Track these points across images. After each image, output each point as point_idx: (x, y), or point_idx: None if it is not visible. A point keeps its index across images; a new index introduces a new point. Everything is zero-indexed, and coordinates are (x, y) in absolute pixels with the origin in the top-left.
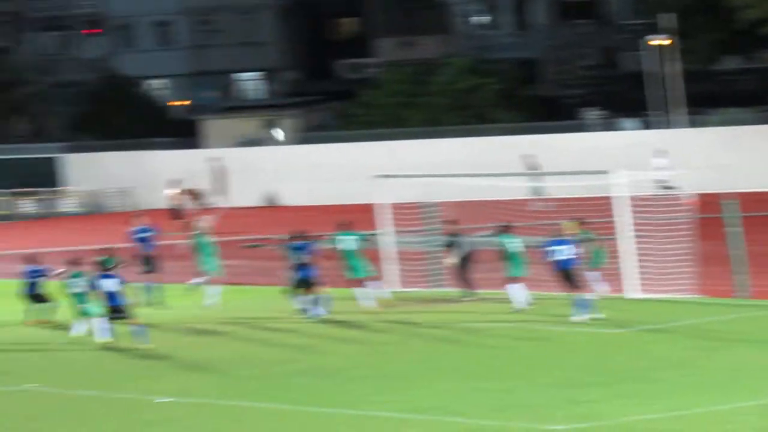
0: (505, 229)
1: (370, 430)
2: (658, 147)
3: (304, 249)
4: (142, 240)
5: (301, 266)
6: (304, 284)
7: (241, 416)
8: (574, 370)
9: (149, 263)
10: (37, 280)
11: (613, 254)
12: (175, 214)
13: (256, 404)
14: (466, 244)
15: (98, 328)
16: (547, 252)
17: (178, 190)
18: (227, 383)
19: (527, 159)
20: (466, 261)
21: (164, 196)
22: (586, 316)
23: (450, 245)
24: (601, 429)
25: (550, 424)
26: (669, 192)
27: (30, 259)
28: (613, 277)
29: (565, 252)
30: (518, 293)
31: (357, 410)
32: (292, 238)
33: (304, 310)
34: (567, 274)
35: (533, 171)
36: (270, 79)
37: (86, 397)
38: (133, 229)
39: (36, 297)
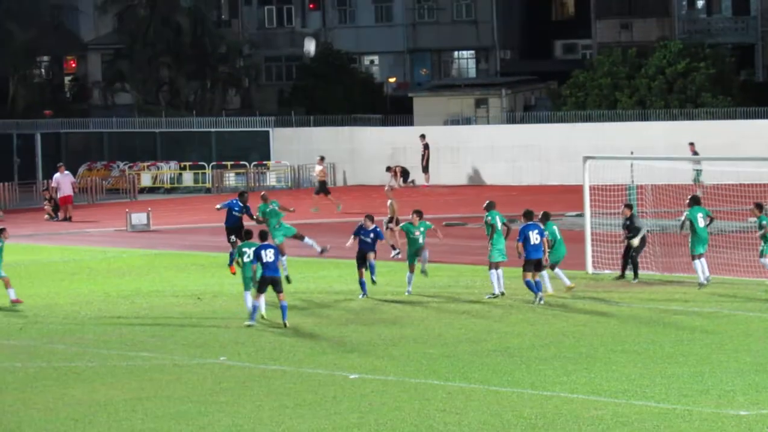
0: (696, 202)
1: (557, 410)
2: None
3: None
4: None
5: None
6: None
7: (430, 394)
8: (764, 356)
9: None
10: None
11: None
12: (321, 188)
13: (444, 383)
14: (644, 227)
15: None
16: None
17: (322, 166)
18: (416, 361)
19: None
20: (642, 243)
21: (313, 172)
22: None
23: (628, 227)
24: None
25: (737, 409)
26: None
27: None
28: None
29: None
30: (700, 268)
31: (544, 391)
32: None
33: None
34: None
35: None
36: (483, 58)
37: (273, 371)
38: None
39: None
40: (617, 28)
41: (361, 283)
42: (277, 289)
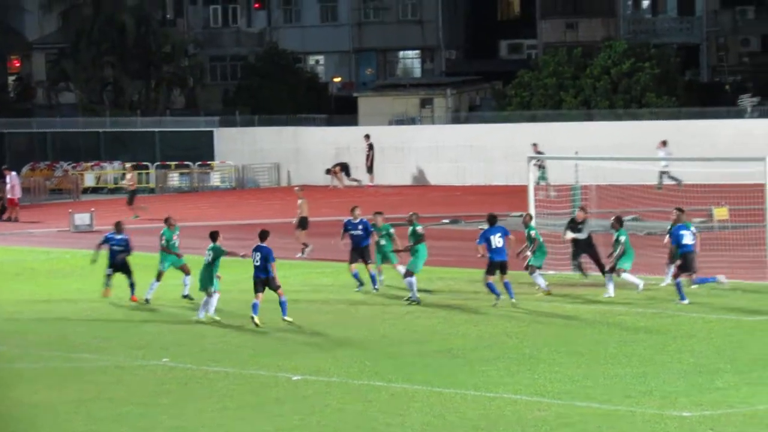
0: (621, 224)
1: (500, 412)
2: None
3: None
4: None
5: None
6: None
7: (373, 395)
8: (707, 357)
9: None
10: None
11: (761, 241)
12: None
13: (387, 384)
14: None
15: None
16: (673, 236)
17: (131, 174)
18: (359, 362)
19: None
20: (587, 244)
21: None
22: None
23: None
24: (730, 417)
25: (680, 410)
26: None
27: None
28: (760, 265)
29: (688, 237)
30: (632, 277)
31: (488, 392)
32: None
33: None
34: (687, 259)
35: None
36: (429, 58)
37: (215, 372)
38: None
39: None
40: (562, 28)
41: (355, 276)
42: (272, 287)
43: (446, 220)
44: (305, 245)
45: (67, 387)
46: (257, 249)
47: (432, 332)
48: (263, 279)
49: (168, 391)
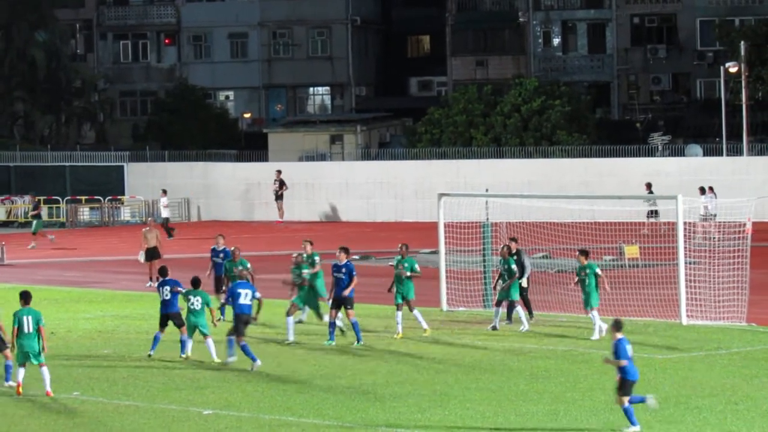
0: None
1: None
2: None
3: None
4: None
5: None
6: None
7: (284, 431)
8: None
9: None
10: None
11: (672, 280)
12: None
13: (298, 419)
14: (529, 265)
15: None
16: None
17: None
18: (270, 397)
19: None
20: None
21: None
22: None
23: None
24: None
25: None
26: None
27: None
28: (671, 303)
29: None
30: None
31: (399, 428)
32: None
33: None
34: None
35: None
36: (339, 94)
37: (126, 406)
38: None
39: None
40: (473, 66)
41: (354, 324)
42: (177, 323)
43: (357, 257)
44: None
45: None
46: (163, 283)
47: (342, 368)
48: (172, 314)
49: (79, 425)
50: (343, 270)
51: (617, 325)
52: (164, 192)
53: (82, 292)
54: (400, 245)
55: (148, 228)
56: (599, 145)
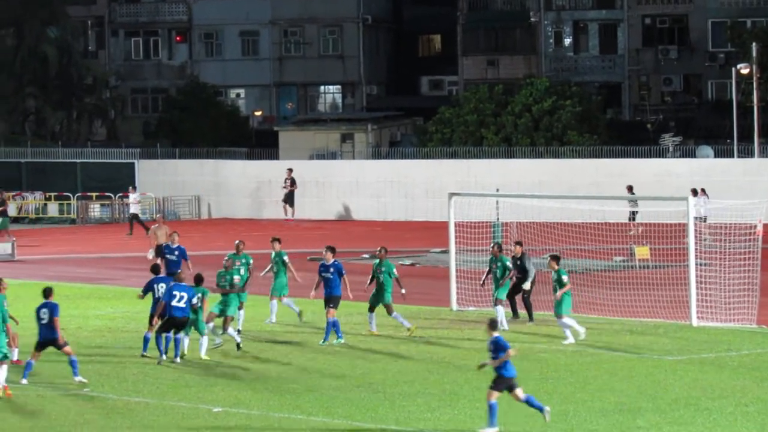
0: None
1: None
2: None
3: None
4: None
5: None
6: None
7: (293, 429)
8: (628, 396)
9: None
10: None
11: (682, 282)
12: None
13: (308, 418)
14: (532, 268)
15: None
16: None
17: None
18: (279, 396)
19: None
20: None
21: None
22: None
23: (518, 268)
24: None
25: None
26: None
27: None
28: (682, 305)
29: None
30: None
31: (408, 427)
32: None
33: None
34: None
35: None
36: (350, 93)
37: (136, 403)
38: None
39: None
40: (484, 65)
41: (333, 324)
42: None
43: (366, 255)
44: None
45: None
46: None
47: (352, 367)
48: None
49: (89, 421)
50: (332, 269)
51: (492, 324)
52: (134, 188)
53: (92, 289)
54: (379, 248)
55: (158, 225)
56: (610, 146)
